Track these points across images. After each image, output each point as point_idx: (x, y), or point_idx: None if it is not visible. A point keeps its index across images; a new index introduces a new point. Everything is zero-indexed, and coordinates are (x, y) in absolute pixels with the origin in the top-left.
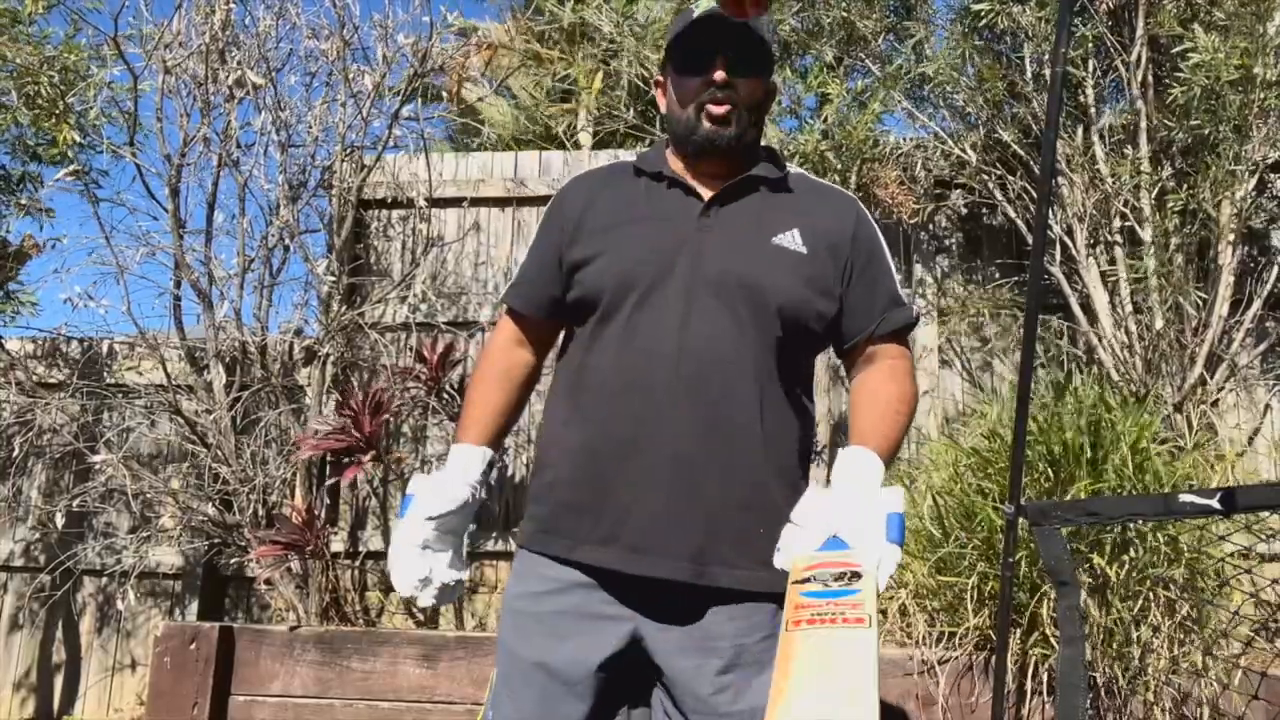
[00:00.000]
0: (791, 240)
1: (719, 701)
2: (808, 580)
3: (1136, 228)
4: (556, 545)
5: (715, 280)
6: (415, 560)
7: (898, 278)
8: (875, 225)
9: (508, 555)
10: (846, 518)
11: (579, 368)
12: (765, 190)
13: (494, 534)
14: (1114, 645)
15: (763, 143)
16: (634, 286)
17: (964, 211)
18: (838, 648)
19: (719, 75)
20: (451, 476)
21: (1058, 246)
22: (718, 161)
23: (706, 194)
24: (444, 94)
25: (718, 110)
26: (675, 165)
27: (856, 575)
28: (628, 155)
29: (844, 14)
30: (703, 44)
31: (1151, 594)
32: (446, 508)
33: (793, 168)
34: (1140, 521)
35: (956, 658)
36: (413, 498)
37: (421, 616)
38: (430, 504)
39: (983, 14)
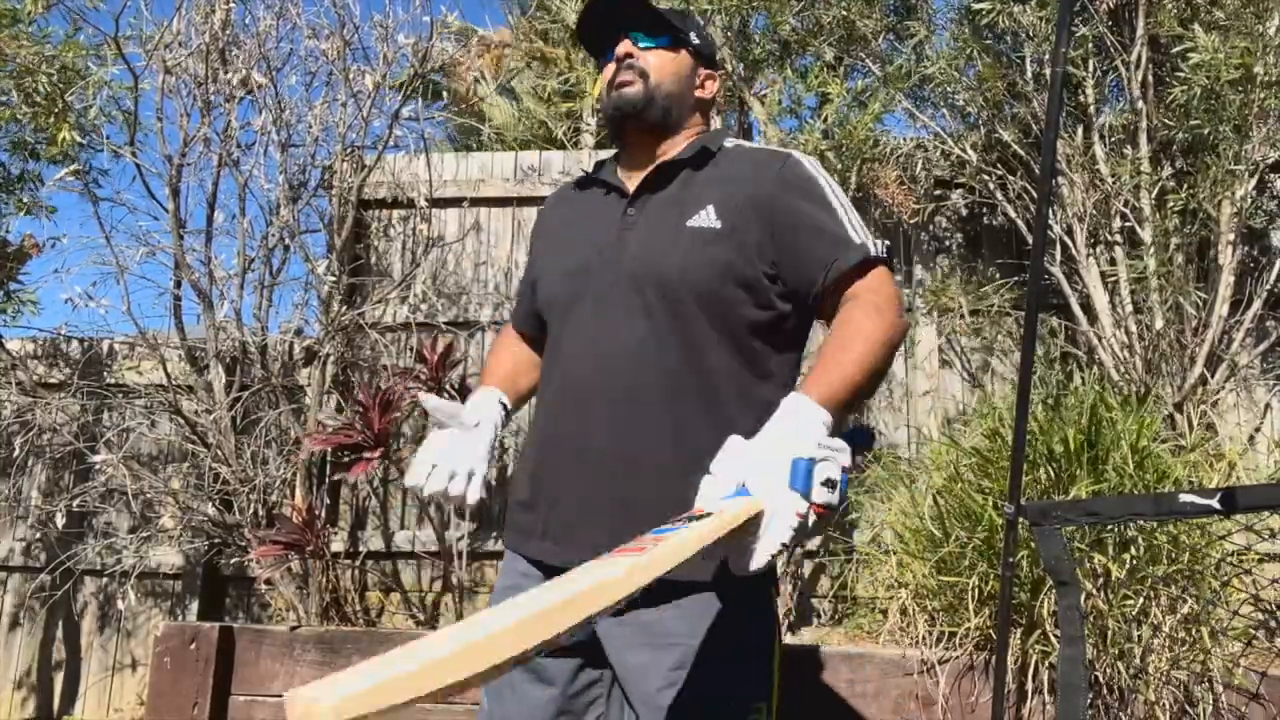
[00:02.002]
0: (705, 218)
1: (667, 696)
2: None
3: (1136, 228)
4: (514, 539)
5: (629, 276)
6: (423, 456)
7: (848, 218)
8: (816, 172)
9: None
10: (755, 466)
11: (542, 375)
12: (690, 171)
13: (494, 534)
14: (1115, 644)
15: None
16: (563, 298)
17: (964, 212)
18: (583, 570)
19: (620, 49)
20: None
21: (1058, 246)
22: (638, 136)
23: (632, 189)
24: (444, 94)
25: (620, 78)
26: (617, 163)
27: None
28: None
29: (844, 13)
30: (603, 29)
31: (1152, 592)
32: (446, 405)
33: (732, 141)
34: (1141, 521)
35: (957, 658)
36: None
37: (422, 616)
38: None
39: (983, 14)
